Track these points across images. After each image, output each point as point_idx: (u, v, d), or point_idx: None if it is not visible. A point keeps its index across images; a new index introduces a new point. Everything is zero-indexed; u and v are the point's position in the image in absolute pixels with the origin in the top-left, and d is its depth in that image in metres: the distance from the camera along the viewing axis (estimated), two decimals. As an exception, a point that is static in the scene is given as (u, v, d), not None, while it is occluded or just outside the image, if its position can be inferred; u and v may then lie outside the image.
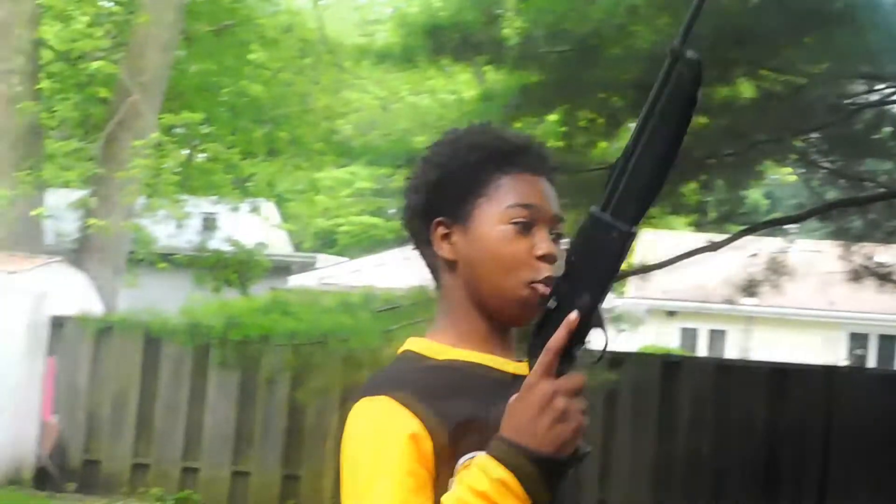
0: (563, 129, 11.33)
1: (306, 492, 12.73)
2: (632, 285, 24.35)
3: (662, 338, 25.46)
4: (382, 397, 2.01)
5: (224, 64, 21.81)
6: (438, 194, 2.21)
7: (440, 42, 9.78)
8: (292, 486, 12.84)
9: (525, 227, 2.12)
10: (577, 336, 1.91)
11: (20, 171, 17.18)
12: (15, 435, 13.11)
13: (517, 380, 2.01)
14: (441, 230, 2.19)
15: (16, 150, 17.77)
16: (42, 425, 13.35)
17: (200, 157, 22.44)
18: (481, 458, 1.87)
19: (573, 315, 1.89)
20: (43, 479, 13.19)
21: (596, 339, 1.96)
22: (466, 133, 2.27)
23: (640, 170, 1.89)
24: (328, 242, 40.45)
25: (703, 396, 12.13)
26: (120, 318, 13.84)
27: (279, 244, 25.71)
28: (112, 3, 21.00)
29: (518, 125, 10.87)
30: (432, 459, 1.96)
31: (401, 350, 2.19)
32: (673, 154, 1.90)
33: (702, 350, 27.88)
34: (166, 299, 14.13)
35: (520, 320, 2.14)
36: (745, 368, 13.45)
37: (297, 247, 31.88)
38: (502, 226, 2.13)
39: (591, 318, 1.92)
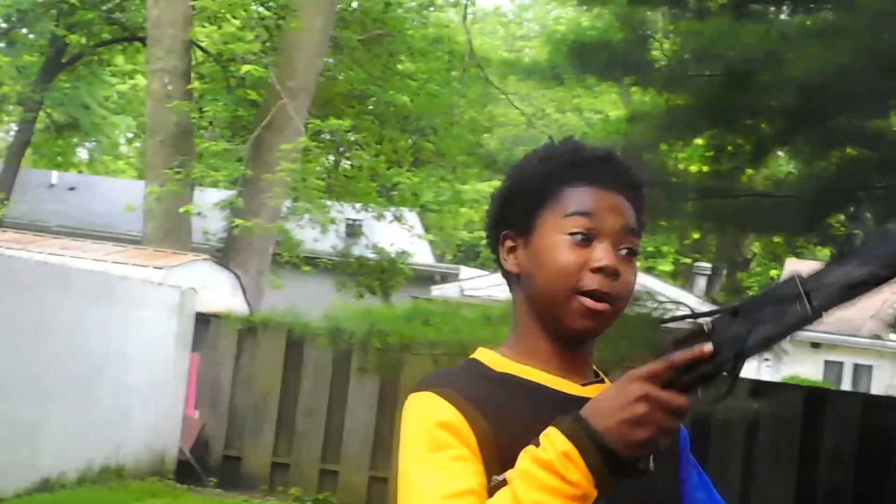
0: (710, 153, 11.29)
1: (442, 500, 12.76)
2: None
3: (805, 369, 25.06)
4: (427, 392, 2.01)
5: (372, 73, 22.05)
6: (506, 206, 2.20)
7: (587, 60, 9.79)
8: (429, 495, 12.86)
9: (585, 239, 2.06)
10: (705, 370, 1.83)
11: (170, 168, 17.55)
12: (159, 427, 13.40)
13: (575, 402, 1.98)
14: (508, 243, 2.17)
15: (167, 148, 18.18)
16: (185, 420, 13.64)
17: (346, 164, 22.78)
18: (550, 429, 1.83)
19: (708, 346, 1.81)
20: (184, 472, 13.47)
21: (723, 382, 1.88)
22: (544, 146, 2.23)
23: (852, 266, 1.81)
24: (470, 255, 40.61)
25: (847, 431, 11.92)
26: (263, 318, 14.06)
27: (421, 254, 25.87)
28: (263, 9, 21.34)
29: (664, 147, 10.89)
30: (477, 450, 1.94)
31: (470, 357, 2.17)
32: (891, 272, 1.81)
33: (846, 384, 27.32)
34: (308, 302, 14.35)
35: (573, 333, 2.08)
36: (892, 404, 13.18)
37: (439, 258, 32.07)
38: (559, 236, 2.07)
39: (729, 363, 1.84)
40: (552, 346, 2.11)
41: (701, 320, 1.86)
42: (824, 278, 1.81)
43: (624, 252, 2.09)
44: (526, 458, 1.84)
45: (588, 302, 2.04)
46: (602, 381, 2.17)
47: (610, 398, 1.82)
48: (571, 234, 2.07)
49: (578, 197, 2.11)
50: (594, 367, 2.21)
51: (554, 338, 2.11)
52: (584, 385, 2.11)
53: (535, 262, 2.11)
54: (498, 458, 1.94)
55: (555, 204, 2.12)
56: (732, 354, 1.83)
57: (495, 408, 2.01)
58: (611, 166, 2.16)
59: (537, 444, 1.84)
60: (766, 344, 1.84)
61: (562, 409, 1.95)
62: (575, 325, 2.07)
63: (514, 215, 2.18)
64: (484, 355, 2.16)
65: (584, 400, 1.97)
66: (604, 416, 1.81)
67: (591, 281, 2.04)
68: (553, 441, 1.82)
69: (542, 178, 2.15)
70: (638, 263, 2.16)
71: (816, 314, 1.80)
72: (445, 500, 1.89)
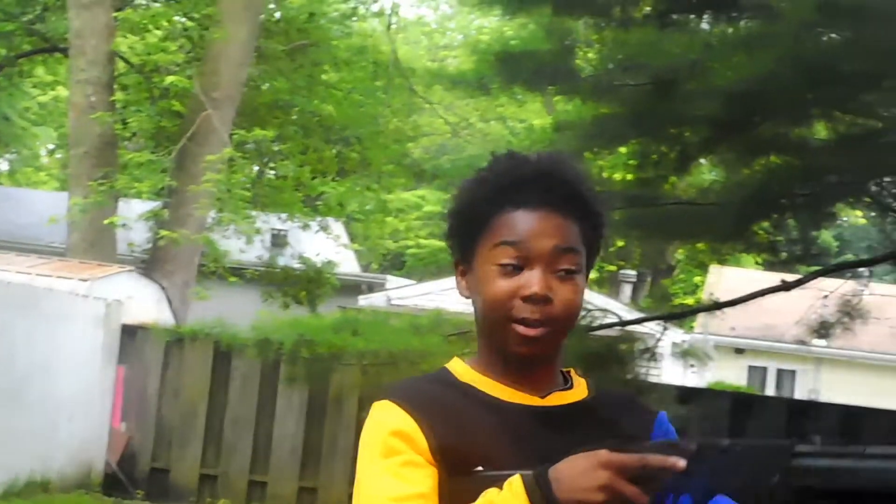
0: (634, 161, 11.35)
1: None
2: (699, 320, 24.27)
3: (729, 374, 25.21)
4: (386, 401, 2.09)
5: (297, 83, 21.99)
6: (452, 233, 2.24)
7: (514, 70, 9.83)
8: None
9: (514, 267, 2.09)
10: (671, 479, 1.85)
11: (94, 180, 17.42)
12: (85, 440, 13.29)
13: (529, 412, 2.11)
14: (461, 268, 2.22)
15: (90, 160, 18.04)
16: (111, 432, 13.54)
17: (271, 174, 22.70)
18: (515, 479, 1.90)
19: (681, 463, 1.82)
20: (111, 485, 13.36)
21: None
22: (483, 168, 2.24)
23: (843, 468, 1.74)
24: (396, 264, 40.63)
25: (773, 436, 11.97)
26: (191, 329, 13.99)
27: (347, 264, 25.87)
28: (186, 19, 21.21)
29: (589, 156, 10.95)
30: (429, 455, 2.03)
31: (444, 365, 2.24)
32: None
33: (770, 389, 27.60)
34: (235, 313, 14.30)
35: (515, 357, 2.13)
36: (817, 409, 13.30)
37: (365, 267, 32.07)
38: (491, 266, 2.11)
39: (689, 490, 1.85)
40: (504, 361, 2.16)
41: (689, 442, 1.86)
42: (816, 463, 1.76)
43: (561, 273, 2.11)
44: (485, 499, 1.93)
45: (521, 329, 2.09)
46: (570, 387, 2.22)
47: (578, 472, 1.87)
48: (501, 264, 2.10)
49: (507, 225, 2.12)
50: (566, 370, 2.26)
51: (503, 357, 2.16)
52: (544, 396, 2.16)
53: (476, 291, 2.17)
54: (451, 463, 2.03)
55: (487, 233, 2.15)
56: (696, 486, 1.85)
57: (452, 416, 2.09)
58: (546, 184, 2.15)
59: (500, 487, 1.92)
60: (731, 495, 1.83)
61: (514, 420, 2.09)
62: (514, 351, 2.12)
63: (459, 242, 2.23)
64: (454, 364, 2.23)
65: (541, 410, 2.11)
66: (566, 486, 1.87)
67: (522, 309, 2.09)
68: (514, 491, 1.90)
69: (475, 206, 2.18)
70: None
71: (786, 490, 1.77)
72: (392, 502, 1.99)
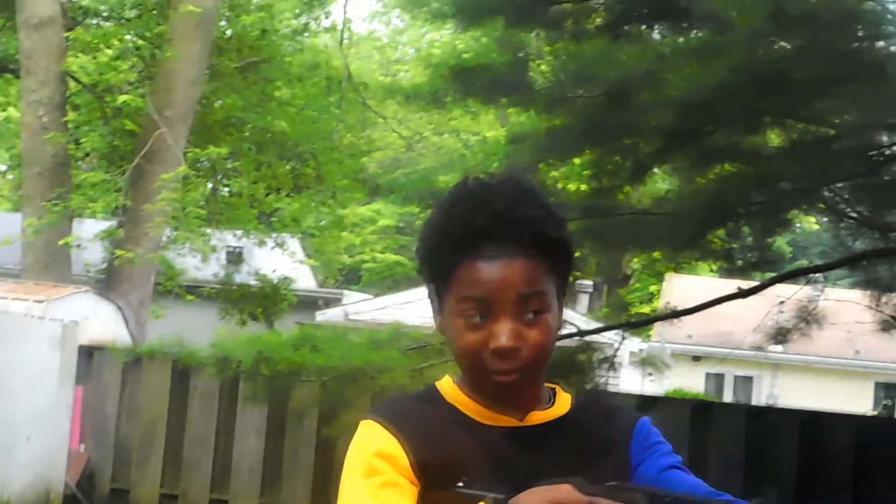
0: (589, 172, 11.39)
1: (333, 527, 12.67)
2: (656, 329, 24.35)
3: (687, 382, 25.34)
4: (371, 421, 2.14)
5: (250, 100, 21.96)
6: (423, 275, 2.26)
7: (467, 84, 9.86)
8: (319, 521, 12.86)
9: (481, 318, 2.10)
10: None
11: (48, 200, 17.34)
12: (44, 462, 13.19)
13: (504, 431, 2.16)
14: (435, 304, 2.24)
15: (44, 180, 17.94)
16: (70, 454, 13.45)
17: (225, 192, 22.64)
18: None
19: None
20: (71, 506, 13.30)
21: None
22: (443, 208, 2.20)
23: None
24: (352, 279, 40.59)
25: (733, 442, 12.04)
26: (149, 348, 13.90)
27: (303, 279, 25.83)
28: (138, 38, 21.14)
29: (543, 167, 10.97)
30: (410, 474, 2.08)
31: (434, 383, 2.28)
32: None
33: (728, 395, 27.78)
34: (192, 331, 14.24)
35: (492, 399, 2.17)
36: (776, 415, 13.32)
37: (321, 283, 32.03)
38: (457, 319, 2.12)
39: None
40: (485, 393, 2.19)
41: (638, 494, 1.91)
42: None
43: (529, 317, 2.10)
44: None
45: (495, 377, 2.12)
46: (552, 405, 2.25)
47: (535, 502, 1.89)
48: (467, 317, 2.11)
49: (469, 277, 2.11)
50: (552, 386, 2.29)
51: (481, 391, 2.19)
52: (523, 417, 2.19)
53: (447, 337, 2.19)
54: (431, 480, 2.09)
55: (452, 284, 2.15)
56: None
57: (434, 435, 2.14)
58: (506, 230, 2.12)
59: None
60: None
61: (490, 442, 2.14)
62: (491, 395, 2.17)
63: (430, 286, 2.24)
64: (443, 384, 2.27)
65: (517, 430, 2.17)
66: None
67: (492, 361, 2.11)
68: None
69: (437, 258, 2.18)
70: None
71: None
72: None
